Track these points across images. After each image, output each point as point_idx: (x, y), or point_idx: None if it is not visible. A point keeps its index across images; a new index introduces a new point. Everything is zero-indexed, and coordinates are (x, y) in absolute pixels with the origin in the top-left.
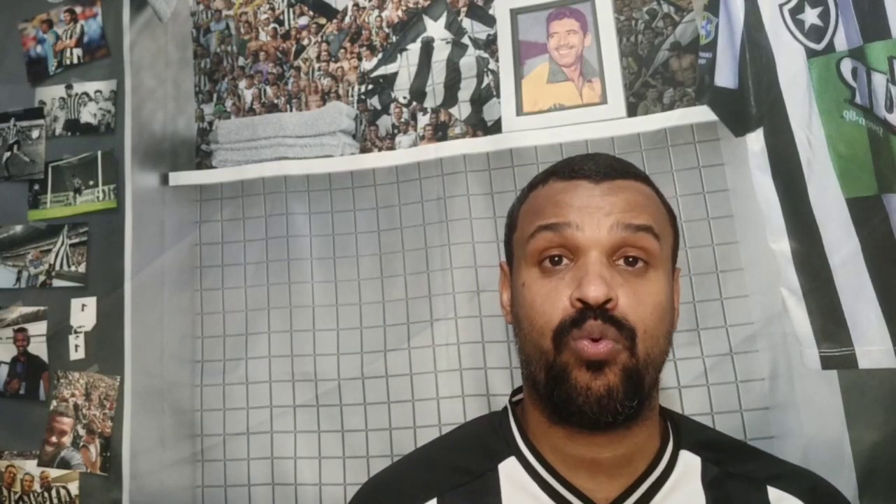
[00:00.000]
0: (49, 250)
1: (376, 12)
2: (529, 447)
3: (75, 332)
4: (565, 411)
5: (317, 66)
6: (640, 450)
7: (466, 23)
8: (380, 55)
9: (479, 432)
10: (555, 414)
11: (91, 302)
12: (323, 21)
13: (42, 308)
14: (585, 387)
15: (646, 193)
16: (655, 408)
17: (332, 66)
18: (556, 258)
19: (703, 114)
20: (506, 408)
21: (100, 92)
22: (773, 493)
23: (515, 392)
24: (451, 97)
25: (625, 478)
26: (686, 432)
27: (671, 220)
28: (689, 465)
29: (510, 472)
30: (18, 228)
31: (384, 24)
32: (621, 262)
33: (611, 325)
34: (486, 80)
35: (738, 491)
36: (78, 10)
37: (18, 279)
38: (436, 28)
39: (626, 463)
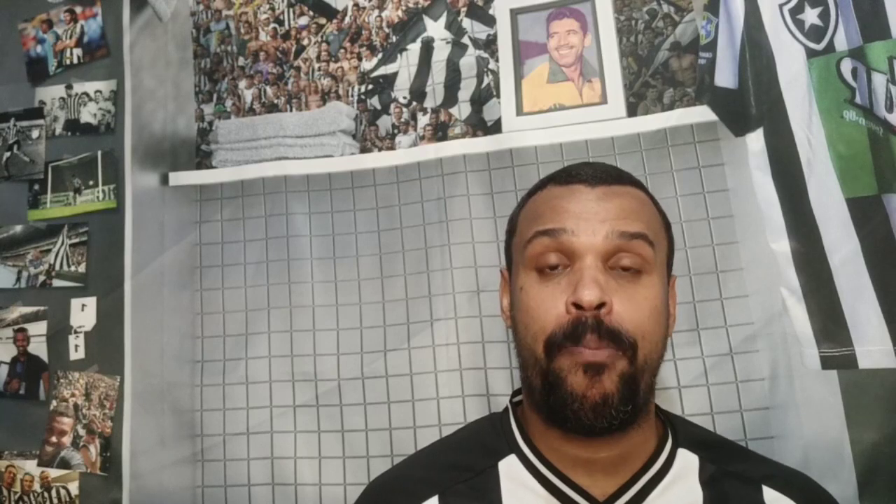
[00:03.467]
0: (49, 250)
1: (376, 12)
2: (529, 445)
3: (75, 332)
4: (560, 416)
5: (317, 66)
6: (636, 449)
7: (466, 23)
8: (380, 55)
9: (480, 432)
10: (550, 418)
11: (91, 302)
12: (323, 21)
13: (42, 308)
14: (581, 394)
15: (641, 200)
16: (651, 410)
17: (332, 66)
18: (554, 266)
19: (703, 114)
20: (507, 408)
21: (100, 92)
22: (768, 493)
23: (516, 392)
24: (451, 97)
25: (621, 475)
26: (683, 431)
27: (666, 227)
28: (687, 462)
29: (510, 469)
30: (18, 228)
31: (384, 24)
32: (616, 268)
33: (609, 341)
34: (486, 80)
35: (734, 489)
36: (78, 10)
37: (18, 279)
38: (436, 28)
39: (621, 462)
